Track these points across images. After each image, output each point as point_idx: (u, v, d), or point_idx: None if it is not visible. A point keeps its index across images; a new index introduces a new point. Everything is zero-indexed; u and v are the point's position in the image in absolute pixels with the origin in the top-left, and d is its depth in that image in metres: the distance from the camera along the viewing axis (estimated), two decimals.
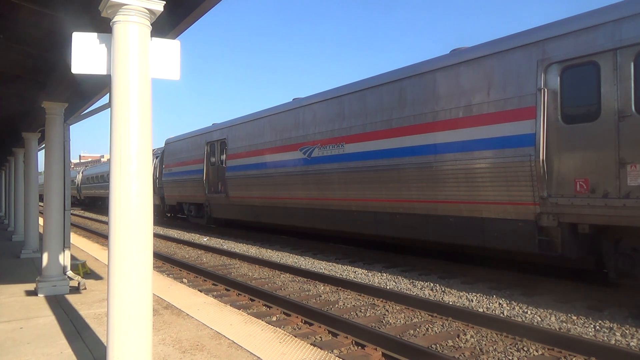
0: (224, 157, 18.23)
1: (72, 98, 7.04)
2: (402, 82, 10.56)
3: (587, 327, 6.48)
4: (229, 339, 4.99)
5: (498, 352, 5.62)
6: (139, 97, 3.34)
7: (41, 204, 21.67)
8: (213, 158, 19.16)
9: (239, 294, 8.85)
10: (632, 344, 5.85)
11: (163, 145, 24.83)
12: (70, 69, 3.49)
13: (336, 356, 4.79)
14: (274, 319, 7.26)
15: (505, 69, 8.43)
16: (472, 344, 5.93)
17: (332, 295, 8.58)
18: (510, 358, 5.46)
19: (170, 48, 3.70)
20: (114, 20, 3.34)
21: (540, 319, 6.88)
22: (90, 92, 7.00)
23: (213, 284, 9.81)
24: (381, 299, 8.09)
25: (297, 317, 7.13)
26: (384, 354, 5.59)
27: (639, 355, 5.13)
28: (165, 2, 3.43)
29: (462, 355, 5.56)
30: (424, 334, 6.35)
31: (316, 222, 13.67)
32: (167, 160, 23.52)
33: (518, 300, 7.81)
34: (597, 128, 7.15)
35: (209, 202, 19.49)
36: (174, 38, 4.36)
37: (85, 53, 3.46)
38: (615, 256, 7.34)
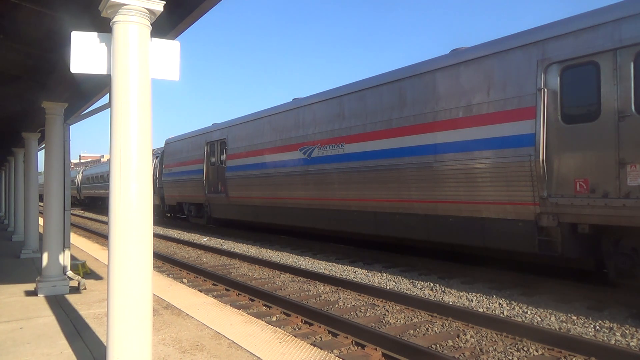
0: (223, 157, 18.23)
1: (72, 98, 7.04)
2: (402, 82, 10.56)
3: (587, 327, 6.48)
4: (229, 339, 4.99)
5: (498, 352, 5.62)
6: (139, 97, 3.34)
7: (41, 204, 21.67)
8: (213, 158, 19.16)
9: (239, 294, 8.85)
10: (632, 344, 5.85)
11: (163, 145, 24.84)
12: (69, 68, 3.49)
13: (336, 356, 4.79)
14: (274, 319, 7.26)
15: (505, 69, 8.43)
16: (472, 344, 5.93)
17: (332, 295, 8.58)
18: (510, 358, 5.46)
19: (170, 49, 3.70)
20: (114, 20, 3.34)
21: (540, 319, 6.88)
22: (90, 92, 7.00)
23: (213, 284, 9.81)
24: (381, 299, 8.09)
25: (297, 317, 7.13)
26: (384, 354, 5.59)
27: (639, 355, 5.13)
28: (165, 2, 3.43)
29: (462, 355, 5.56)
30: (424, 334, 6.35)
31: (316, 222, 13.67)
32: (167, 160, 23.52)
33: (518, 300, 7.81)
34: (597, 128, 7.15)
35: (208, 202, 19.49)
36: (174, 38, 4.37)
37: (84, 52, 3.46)
38: (615, 256, 7.34)
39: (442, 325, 6.67)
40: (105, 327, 4.19)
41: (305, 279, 9.97)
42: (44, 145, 9.50)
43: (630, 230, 7.04)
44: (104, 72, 3.50)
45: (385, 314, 7.30)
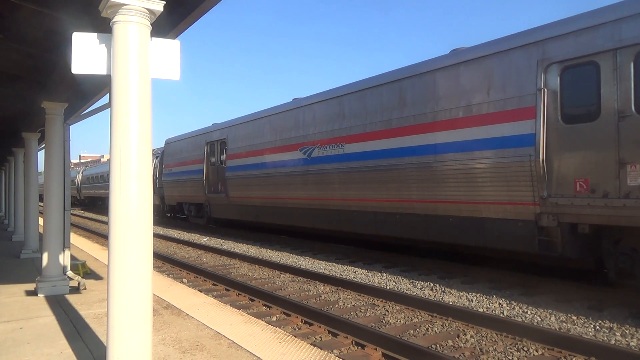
0: (224, 157, 18.24)
1: (72, 98, 7.04)
2: (402, 82, 10.56)
3: (587, 327, 6.48)
4: (229, 339, 4.99)
5: (498, 352, 5.62)
6: (139, 97, 3.34)
7: (41, 204, 21.67)
8: (213, 158, 19.16)
9: (239, 294, 8.85)
10: (632, 344, 5.85)
11: (163, 145, 24.83)
12: (70, 69, 3.49)
13: (336, 356, 4.79)
14: (274, 319, 7.26)
15: (505, 69, 8.43)
16: (472, 344, 5.93)
17: (332, 295, 8.58)
18: (510, 358, 5.46)
19: (170, 48, 3.70)
20: (114, 20, 3.34)
21: (540, 319, 6.88)
22: (90, 92, 7.00)
23: (213, 284, 9.81)
24: (381, 299, 8.09)
25: (297, 317, 7.13)
26: (384, 354, 5.59)
27: (639, 355, 5.13)
28: (165, 2, 3.43)
29: (462, 355, 5.56)
30: (424, 334, 6.35)
31: (316, 222, 13.67)
32: (167, 160, 23.52)
33: (518, 300, 7.80)
34: (597, 128, 7.15)
35: (209, 202, 19.49)
36: (174, 38, 4.37)
37: (85, 53, 3.46)
38: (615, 256, 7.34)
39: (442, 325, 6.67)
40: (105, 327, 4.18)
41: (305, 279, 9.97)
42: (44, 145, 9.51)
43: (630, 230, 7.04)
44: (104, 72, 3.50)
45: (385, 314, 7.30)
